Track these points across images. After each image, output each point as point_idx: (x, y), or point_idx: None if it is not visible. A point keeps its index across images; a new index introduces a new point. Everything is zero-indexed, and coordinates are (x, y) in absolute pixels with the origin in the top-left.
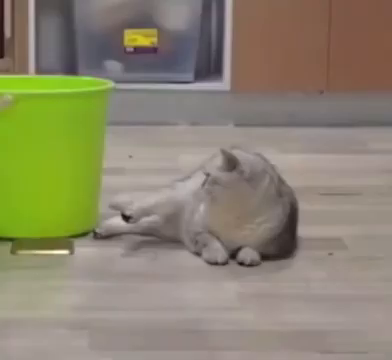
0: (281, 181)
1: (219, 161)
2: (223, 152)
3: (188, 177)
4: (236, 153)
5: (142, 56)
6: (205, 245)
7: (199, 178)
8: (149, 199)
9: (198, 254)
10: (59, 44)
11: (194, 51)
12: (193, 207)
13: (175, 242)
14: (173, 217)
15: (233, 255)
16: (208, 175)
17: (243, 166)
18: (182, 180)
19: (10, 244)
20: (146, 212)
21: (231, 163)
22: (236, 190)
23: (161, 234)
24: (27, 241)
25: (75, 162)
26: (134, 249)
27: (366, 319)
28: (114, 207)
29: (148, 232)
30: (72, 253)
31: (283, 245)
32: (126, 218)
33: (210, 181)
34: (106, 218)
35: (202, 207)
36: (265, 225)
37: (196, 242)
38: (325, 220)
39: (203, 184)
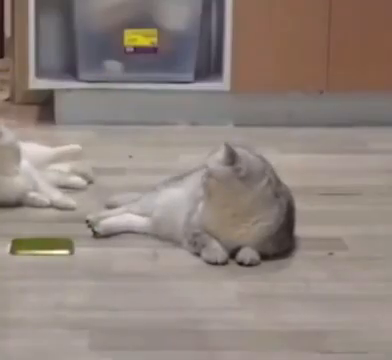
0: (278, 182)
1: (220, 155)
2: (226, 146)
3: (181, 178)
4: (239, 150)
5: (142, 56)
6: (204, 245)
7: (196, 181)
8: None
9: (198, 254)
10: (59, 44)
11: (194, 51)
12: (190, 209)
13: (173, 241)
14: (163, 221)
15: (232, 255)
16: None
17: (241, 164)
18: (175, 181)
19: (10, 244)
20: (112, 229)
21: (230, 158)
22: (229, 186)
23: (155, 234)
24: (27, 241)
25: None
26: (134, 249)
27: (366, 319)
28: (110, 207)
29: (144, 231)
30: (72, 253)
31: (281, 243)
32: (94, 233)
33: (206, 173)
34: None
35: (200, 205)
36: (261, 224)
37: (195, 243)
38: (325, 220)
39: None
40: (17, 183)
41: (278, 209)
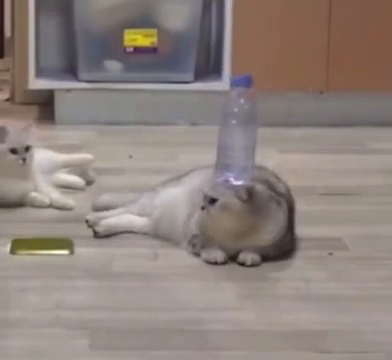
0: (277, 185)
1: (234, 186)
2: (248, 186)
3: (178, 179)
4: (259, 187)
5: (142, 56)
6: (203, 246)
7: (194, 181)
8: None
9: (197, 255)
10: (59, 44)
11: (194, 51)
12: (190, 210)
13: (172, 241)
14: (163, 220)
15: (232, 256)
16: (207, 197)
17: (255, 200)
18: (173, 181)
19: (10, 244)
20: (113, 229)
21: (249, 195)
22: (239, 219)
23: (155, 234)
24: (27, 241)
25: None
26: (134, 249)
27: (366, 319)
28: (97, 208)
29: (144, 231)
30: (72, 253)
31: (282, 247)
32: (95, 233)
33: (218, 205)
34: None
35: (197, 215)
36: (263, 237)
37: (194, 245)
38: (325, 220)
39: (202, 208)
40: (20, 185)
41: (282, 217)
